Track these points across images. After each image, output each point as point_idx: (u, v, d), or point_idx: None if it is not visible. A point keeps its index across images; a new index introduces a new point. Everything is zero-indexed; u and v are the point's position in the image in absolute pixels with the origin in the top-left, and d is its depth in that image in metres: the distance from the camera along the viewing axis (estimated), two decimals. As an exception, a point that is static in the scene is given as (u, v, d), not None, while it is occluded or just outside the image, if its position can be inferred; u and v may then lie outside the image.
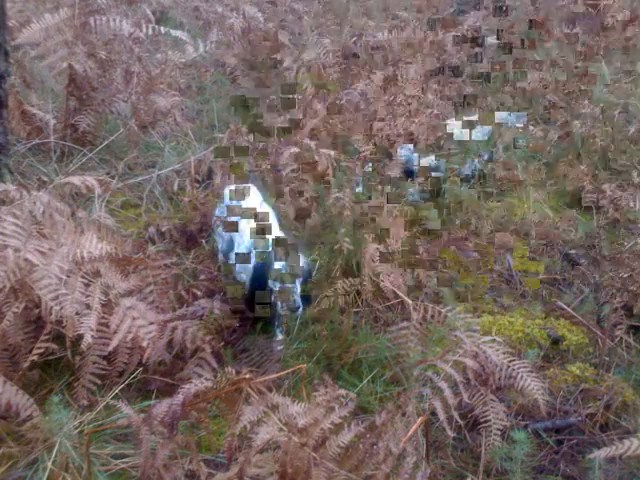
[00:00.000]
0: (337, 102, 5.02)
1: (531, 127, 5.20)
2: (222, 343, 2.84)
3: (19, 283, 2.43)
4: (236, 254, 3.03)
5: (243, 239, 3.00)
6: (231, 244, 3.18)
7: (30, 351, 2.45)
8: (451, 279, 3.36)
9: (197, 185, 4.13)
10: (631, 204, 3.94)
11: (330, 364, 2.84)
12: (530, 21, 4.89)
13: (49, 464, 2.18)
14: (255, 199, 3.22)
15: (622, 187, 4.20)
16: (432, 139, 4.83)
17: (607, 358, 2.94)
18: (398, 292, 3.14)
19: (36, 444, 2.27)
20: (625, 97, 5.01)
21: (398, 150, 4.48)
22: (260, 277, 2.75)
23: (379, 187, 3.77)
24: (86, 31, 4.47)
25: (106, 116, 4.80)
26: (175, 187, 4.18)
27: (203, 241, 3.63)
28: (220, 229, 3.33)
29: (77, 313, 2.44)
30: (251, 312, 2.97)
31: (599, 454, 1.88)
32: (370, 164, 4.31)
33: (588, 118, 4.93)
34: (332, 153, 3.47)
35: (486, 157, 4.53)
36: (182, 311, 2.83)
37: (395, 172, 4.21)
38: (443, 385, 2.19)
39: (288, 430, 1.82)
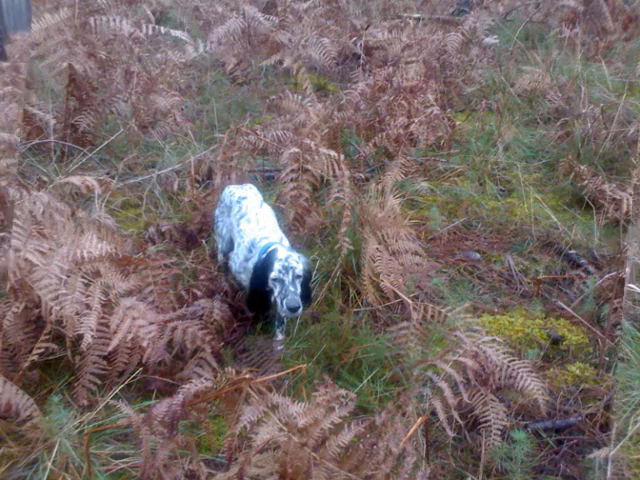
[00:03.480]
0: (337, 102, 5.01)
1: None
2: (222, 343, 2.84)
3: (19, 283, 2.43)
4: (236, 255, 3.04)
5: (243, 239, 3.00)
6: (231, 244, 3.19)
7: (30, 351, 2.45)
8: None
9: (197, 185, 4.13)
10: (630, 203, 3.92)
11: (330, 364, 2.84)
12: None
13: (49, 464, 2.19)
14: (255, 199, 3.22)
15: (622, 187, 4.19)
16: (432, 139, 4.82)
17: (607, 358, 2.94)
18: (398, 292, 3.13)
19: (36, 444, 2.28)
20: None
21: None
22: (260, 277, 2.75)
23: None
24: (86, 31, 4.48)
25: (106, 116, 4.81)
26: (175, 187, 4.19)
27: (203, 241, 3.64)
28: (220, 229, 3.34)
29: (77, 313, 2.45)
30: (251, 312, 2.98)
31: (599, 454, 1.88)
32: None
33: (588, 118, 4.92)
34: (332, 153, 3.45)
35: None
36: (182, 311, 2.83)
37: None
38: (443, 385, 2.19)
39: (288, 430, 1.82)
